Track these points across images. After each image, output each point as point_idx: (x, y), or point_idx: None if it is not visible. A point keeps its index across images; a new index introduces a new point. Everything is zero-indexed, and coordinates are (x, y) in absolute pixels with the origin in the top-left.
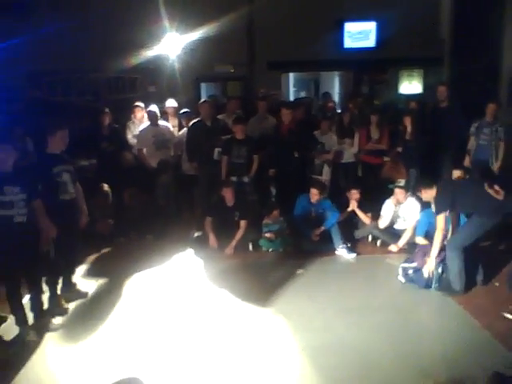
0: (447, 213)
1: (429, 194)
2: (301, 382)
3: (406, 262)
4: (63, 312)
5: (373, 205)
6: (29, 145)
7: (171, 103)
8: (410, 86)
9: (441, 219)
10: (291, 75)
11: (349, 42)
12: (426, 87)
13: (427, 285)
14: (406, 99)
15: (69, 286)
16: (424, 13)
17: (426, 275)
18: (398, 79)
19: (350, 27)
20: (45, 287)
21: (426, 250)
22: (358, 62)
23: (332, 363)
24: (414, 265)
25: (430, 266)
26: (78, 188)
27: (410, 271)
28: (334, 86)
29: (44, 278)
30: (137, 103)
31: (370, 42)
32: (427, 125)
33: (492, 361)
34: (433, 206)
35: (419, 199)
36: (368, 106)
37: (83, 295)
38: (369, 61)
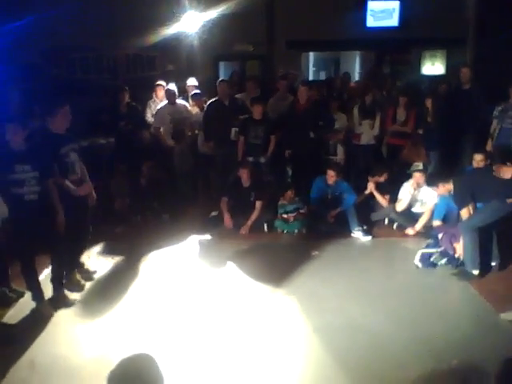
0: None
1: (445, 189)
2: (312, 363)
3: (427, 247)
4: (79, 288)
5: (392, 187)
6: (48, 123)
7: (192, 82)
8: (433, 67)
9: (465, 211)
10: (311, 55)
11: (371, 21)
12: (448, 68)
13: (459, 264)
14: (428, 80)
15: (77, 265)
16: None
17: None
18: (421, 60)
19: (373, 5)
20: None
21: (451, 234)
22: (380, 42)
23: (344, 345)
24: (439, 250)
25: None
26: (82, 166)
27: (434, 256)
28: (355, 66)
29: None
30: (158, 82)
31: (393, 21)
32: (449, 107)
33: (506, 347)
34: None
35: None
36: (394, 87)
37: (91, 275)
38: (391, 40)
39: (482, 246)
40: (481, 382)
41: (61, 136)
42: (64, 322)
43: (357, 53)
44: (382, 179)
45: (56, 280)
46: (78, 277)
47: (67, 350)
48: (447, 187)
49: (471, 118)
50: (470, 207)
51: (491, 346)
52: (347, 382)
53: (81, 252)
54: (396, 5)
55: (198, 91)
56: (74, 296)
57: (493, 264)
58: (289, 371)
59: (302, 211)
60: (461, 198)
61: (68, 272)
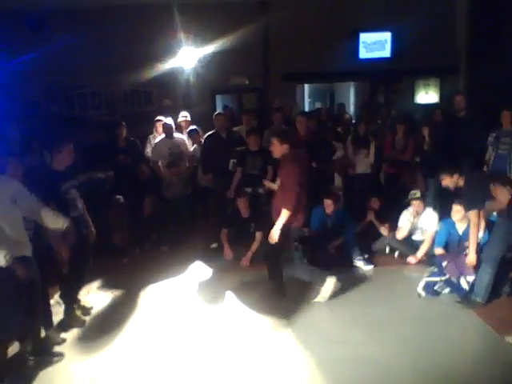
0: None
1: (448, 181)
2: None
3: (431, 275)
4: (80, 324)
5: (391, 215)
6: (47, 159)
7: (184, 115)
8: (427, 95)
9: (474, 214)
10: (306, 86)
11: (364, 53)
12: (442, 96)
13: (467, 293)
14: (423, 109)
15: (75, 301)
16: (439, 22)
17: (464, 285)
18: (414, 89)
19: (366, 37)
20: (60, 301)
21: (456, 261)
22: (373, 73)
23: (350, 377)
24: (444, 278)
25: (470, 259)
26: (81, 203)
27: (438, 285)
28: (350, 97)
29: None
30: (158, 117)
31: (386, 52)
32: (445, 135)
33: None
34: (453, 215)
35: (437, 210)
36: (389, 116)
37: (88, 311)
38: (384, 71)
39: (497, 276)
40: None
41: (61, 173)
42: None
43: (351, 83)
44: (376, 206)
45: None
46: (78, 312)
47: None
48: (454, 179)
49: (467, 145)
50: (481, 212)
51: (499, 372)
52: None
53: (80, 287)
54: (388, 36)
55: (193, 127)
56: (64, 334)
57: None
58: None
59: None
60: (473, 198)
61: (68, 308)
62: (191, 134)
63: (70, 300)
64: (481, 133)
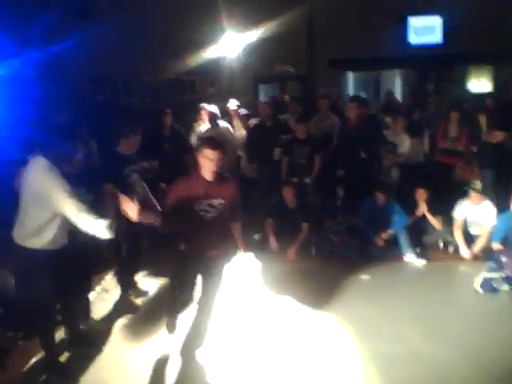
0: None
1: None
2: None
3: (489, 271)
4: (135, 310)
5: (445, 208)
6: (93, 147)
7: (234, 103)
8: (479, 83)
9: None
10: (351, 74)
11: (414, 38)
12: (496, 85)
13: None
14: (475, 98)
15: (130, 285)
16: (492, 6)
17: None
18: (466, 76)
19: (415, 22)
20: (106, 288)
21: None
22: (423, 59)
23: (404, 375)
24: (503, 274)
25: None
26: (144, 187)
27: (497, 281)
28: (396, 85)
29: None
30: (201, 104)
31: (436, 37)
32: (503, 123)
33: None
34: None
35: (494, 203)
36: (442, 103)
37: (144, 294)
38: (434, 57)
39: None
40: None
41: (125, 157)
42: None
43: (397, 71)
44: (425, 195)
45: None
46: (132, 298)
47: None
48: None
49: None
50: None
51: None
52: None
53: (136, 270)
54: (438, 20)
55: (246, 111)
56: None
57: None
58: None
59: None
60: None
61: (124, 292)
62: (244, 118)
63: (128, 284)
64: None
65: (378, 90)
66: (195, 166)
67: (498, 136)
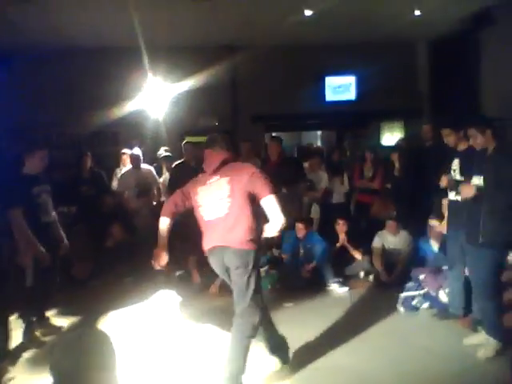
0: None
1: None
2: None
3: (408, 290)
4: (39, 345)
5: (364, 242)
6: None
7: (166, 149)
8: (392, 137)
9: None
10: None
11: (330, 96)
12: (407, 138)
13: (447, 306)
14: (388, 147)
15: (42, 319)
16: (401, 66)
17: (444, 299)
18: (380, 132)
19: (331, 81)
20: (19, 319)
21: (434, 273)
22: (339, 116)
23: None
24: (421, 292)
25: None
26: (53, 210)
27: (417, 300)
28: (317, 143)
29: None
30: (124, 150)
31: (351, 95)
32: (414, 162)
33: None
34: (429, 233)
35: (411, 231)
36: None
37: (57, 330)
38: (350, 114)
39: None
40: None
41: (33, 176)
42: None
43: (317, 133)
44: (345, 227)
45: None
46: (38, 333)
47: None
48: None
49: (435, 173)
50: None
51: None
52: None
53: (47, 303)
54: (352, 80)
55: (169, 154)
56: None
57: None
58: None
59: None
60: None
61: (28, 328)
62: (166, 159)
63: (32, 317)
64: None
65: (300, 152)
66: None
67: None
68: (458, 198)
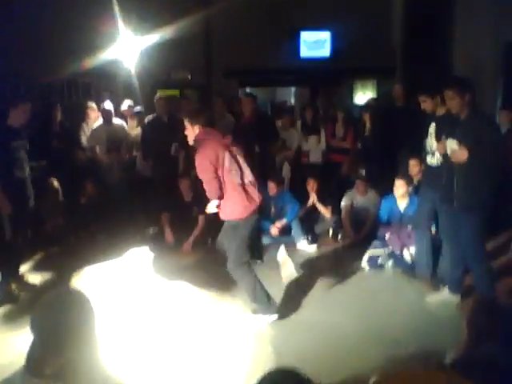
0: None
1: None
2: (267, 358)
3: (373, 248)
4: (14, 299)
5: (334, 200)
6: None
7: (126, 104)
8: (364, 96)
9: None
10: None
11: (305, 51)
12: (379, 97)
13: (411, 265)
14: (360, 109)
15: (17, 275)
16: (375, 22)
17: (408, 257)
18: (353, 90)
19: (306, 36)
20: None
21: (398, 232)
22: (313, 72)
23: (294, 338)
24: (385, 251)
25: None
26: (28, 167)
27: (381, 258)
28: (290, 101)
29: None
30: (89, 103)
31: (326, 51)
32: (384, 123)
33: None
34: (395, 191)
35: (379, 190)
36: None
37: (31, 287)
38: (324, 71)
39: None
40: None
41: (14, 130)
42: None
43: (291, 89)
44: (315, 185)
45: None
46: (14, 287)
47: None
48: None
49: (406, 132)
50: None
51: (443, 331)
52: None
53: (21, 258)
54: (327, 36)
55: (139, 109)
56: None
57: None
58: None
59: None
60: None
61: (4, 280)
62: (137, 114)
63: (9, 270)
64: (420, 120)
65: (273, 108)
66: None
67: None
68: (433, 161)
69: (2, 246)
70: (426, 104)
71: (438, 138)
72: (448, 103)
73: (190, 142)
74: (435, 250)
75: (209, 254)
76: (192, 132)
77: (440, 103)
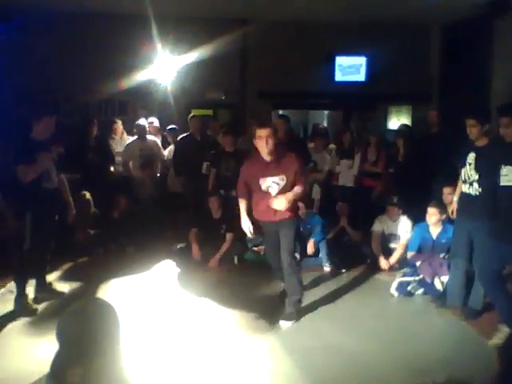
0: None
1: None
2: (292, 380)
3: (404, 275)
4: (31, 313)
5: (364, 225)
6: None
7: (150, 122)
8: (398, 122)
9: None
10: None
11: (340, 76)
12: (413, 123)
13: (442, 294)
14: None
15: (43, 284)
16: (413, 49)
17: (439, 286)
18: (387, 115)
19: (342, 61)
20: (12, 285)
21: (430, 260)
22: (347, 96)
23: (318, 364)
24: (418, 278)
25: None
26: (61, 179)
27: (412, 285)
28: (322, 124)
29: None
30: (115, 119)
31: (361, 76)
32: (418, 148)
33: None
34: (428, 219)
35: (411, 217)
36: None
37: (59, 295)
38: (359, 96)
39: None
40: None
41: (39, 142)
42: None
43: (324, 112)
44: (345, 211)
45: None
46: (30, 301)
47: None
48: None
49: (440, 159)
50: None
51: (472, 363)
52: None
53: (45, 268)
54: (363, 61)
55: (174, 126)
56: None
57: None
58: None
59: None
60: None
61: (20, 294)
62: (171, 132)
63: (25, 283)
64: (455, 149)
65: (306, 130)
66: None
67: None
68: (471, 191)
69: (19, 259)
70: (474, 130)
71: (478, 169)
72: (501, 130)
73: None
74: (468, 280)
75: (234, 272)
76: None
77: (484, 133)
